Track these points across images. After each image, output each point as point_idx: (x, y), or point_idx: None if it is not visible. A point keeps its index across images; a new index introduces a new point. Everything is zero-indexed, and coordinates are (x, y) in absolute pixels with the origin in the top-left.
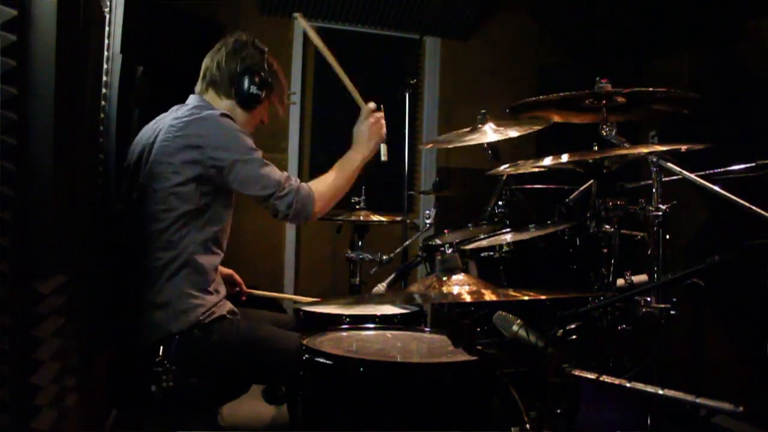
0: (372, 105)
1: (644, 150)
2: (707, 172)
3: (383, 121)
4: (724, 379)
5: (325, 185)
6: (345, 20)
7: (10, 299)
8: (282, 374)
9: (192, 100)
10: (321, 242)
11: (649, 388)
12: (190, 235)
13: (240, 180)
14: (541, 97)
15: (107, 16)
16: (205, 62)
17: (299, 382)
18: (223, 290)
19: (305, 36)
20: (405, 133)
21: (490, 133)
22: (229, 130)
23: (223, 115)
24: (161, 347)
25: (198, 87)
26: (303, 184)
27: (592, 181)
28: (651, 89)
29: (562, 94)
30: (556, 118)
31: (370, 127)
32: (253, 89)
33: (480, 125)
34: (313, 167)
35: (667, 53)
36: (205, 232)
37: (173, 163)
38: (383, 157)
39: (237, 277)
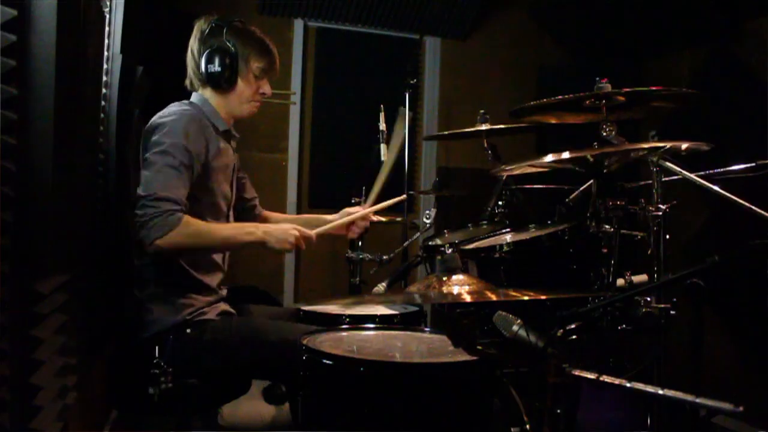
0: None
1: (645, 146)
2: (707, 172)
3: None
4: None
5: (191, 236)
6: (345, 20)
7: (10, 299)
8: (281, 367)
9: (192, 96)
10: (321, 242)
11: (649, 388)
12: None
13: (140, 180)
14: (543, 100)
15: (107, 16)
16: (187, 61)
17: (299, 382)
18: (219, 291)
19: (305, 36)
20: (405, 133)
21: None
22: (167, 134)
23: (186, 113)
24: (156, 348)
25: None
26: (178, 215)
27: (592, 181)
28: (650, 88)
29: (561, 96)
30: (554, 120)
31: (289, 235)
32: (215, 68)
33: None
34: (313, 167)
35: (667, 53)
36: None
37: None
38: (383, 157)
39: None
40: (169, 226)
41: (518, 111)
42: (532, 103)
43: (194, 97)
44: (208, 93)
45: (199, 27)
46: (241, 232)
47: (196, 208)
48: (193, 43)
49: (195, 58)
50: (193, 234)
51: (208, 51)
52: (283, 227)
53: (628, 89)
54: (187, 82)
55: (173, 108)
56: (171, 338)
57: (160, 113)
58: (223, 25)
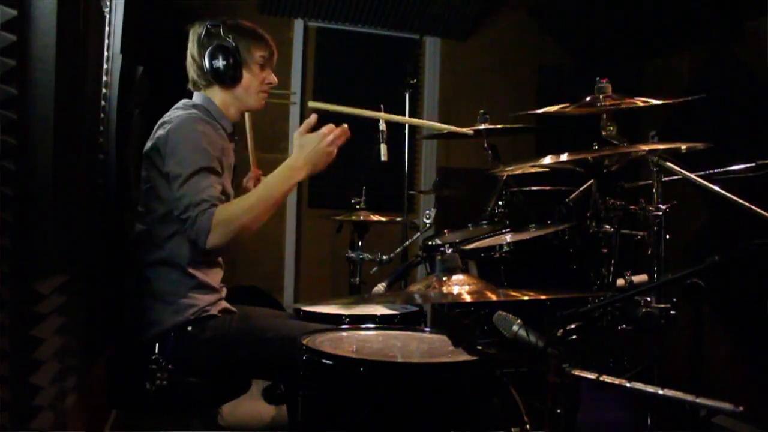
0: (331, 125)
1: (644, 148)
2: (707, 172)
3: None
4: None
5: (231, 213)
6: (345, 20)
7: (10, 299)
8: (280, 366)
9: (194, 96)
10: (321, 242)
11: (649, 388)
12: (176, 235)
13: (169, 198)
14: (541, 110)
15: (107, 16)
16: (187, 66)
17: (298, 381)
18: (220, 289)
19: (305, 36)
20: (405, 133)
21: None
22: (181, 141)
23: (194, 115)
24: (157, 345)
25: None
26: (209, 212)
27: (592, 181)
28: (644, 103)
29: (560, 106)
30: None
31: (323, 147)
32: (218, 64)
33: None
34: None
35: (667, 53)
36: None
37: (146, 165)
38: (383, 157)
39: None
40: (207, 226)
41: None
42: (531, 112)
43: (198, 98)
44: (215, 92)
45: (195, 32)
46: (279, 183)
47: None
48: (192, 48)
49: (197, 61)
50: (231, 218)
51: (209, 50)
52: (310, 146)
53: (625, 105)
54: (190, 85)
55: (180, 111)
56: (172, 336)
57: (167, 119)
58: (218, 24)
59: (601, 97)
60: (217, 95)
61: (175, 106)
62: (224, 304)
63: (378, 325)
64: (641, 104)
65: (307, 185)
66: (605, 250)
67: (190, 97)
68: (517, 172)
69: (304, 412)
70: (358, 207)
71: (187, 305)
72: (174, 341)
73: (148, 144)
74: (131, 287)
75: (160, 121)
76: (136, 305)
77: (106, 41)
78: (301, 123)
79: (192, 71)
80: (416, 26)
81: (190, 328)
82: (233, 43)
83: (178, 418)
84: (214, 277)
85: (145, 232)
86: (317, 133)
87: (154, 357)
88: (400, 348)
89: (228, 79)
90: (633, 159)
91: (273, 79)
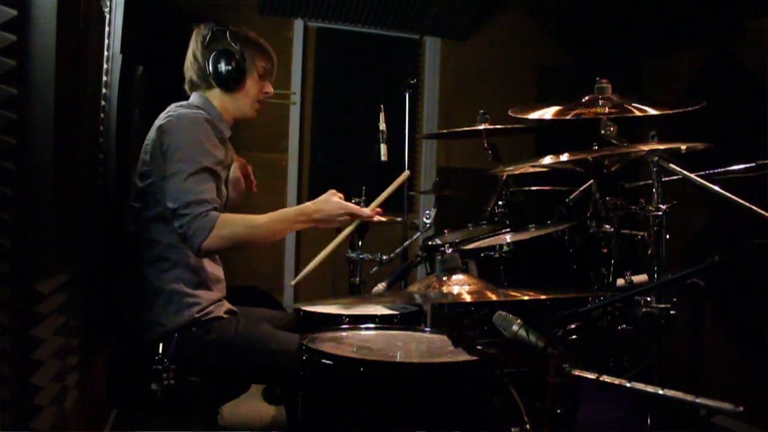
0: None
1: (644, 148)
2: (707, 172)
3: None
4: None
5: (236, 224)
6: (345, 20)
7: (10, 299)
8: (281, 376)
9: (192, 97)
10: (321, 242)
11: (649, 388)
12: (172, 233)
13: (166, 191)
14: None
15: (107, 16)
16: (186, 67)
17: (299, 382)
18: (221, 287)
19: (305, 36)
20: (405, 133)
21: None
22: (186, 139)
23: (200, 115)
24: (161, 345)
25: (187, 88)
26: (213, 215)
27: (592, 181)
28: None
29: (561, 106)
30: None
31: (338, 214)
32: (223, 68)
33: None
34: (313, 167)
35: (667, 53)
36: None
37: (146, 161)
38: (383, 157)
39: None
40: (208, 228)
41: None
42: (530, 108)
43: (196, 99)
44: (214, 94)
45: (199, 33)
46: (292, 217)
47: None
48: (196, 48)
49: (199, 62)
50: (234, 229)
51: (214, 53)
52: (331, 206)
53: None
54: (187, 86)
55: (181, 111)
56: (175, 336)
57: (166, 116)
58: (225, 30)
59: (600, 102)
60: (216, 98)
61: (175, 105)
62: (227, 305)
63: (378, 325)
64: (639, 113)
65: (307, 185)
66: (605, 250)
67: (187, 99)
68: (517, 172)
69: (304, 412)
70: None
71: (190, 303)
72: (177, 341)
73: (149, 139)
74: (131, 286)
75: (160, 119)
76: (136, 304)
77: (106, 41)
78: (301, 123)
79: (192, 72)
80: (416, 26)
81: (194, 329)
82: (239, 50)
83: (179, 418)
84: (215, 274)
85: (144, 229)
86: (344, 203)
87: (158, 357)
88: (400, 348)
89: (231, 82)
90: (633, 159)
91: (270, 90)
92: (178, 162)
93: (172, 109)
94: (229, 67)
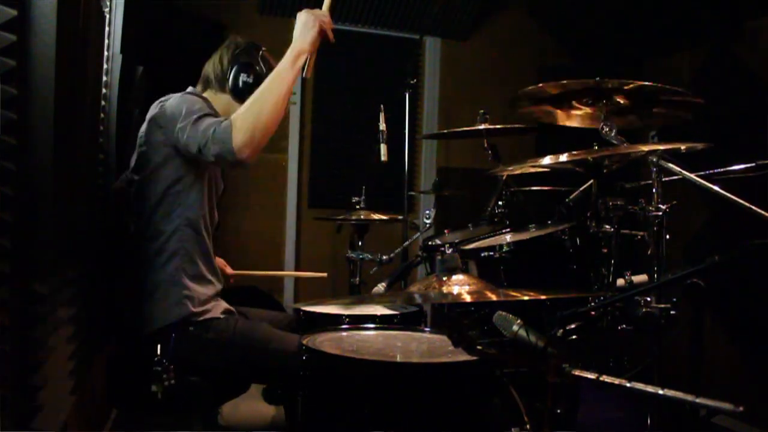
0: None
1: (644, 148)
2: (707, 172)
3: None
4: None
5: (244, 107)
6: (345, 20)
7: (10, 299)
8: (281, 375)
9: (188, 89)
10: (321, 242)
11: (649, 388)
12: (171, 226)
13: (184, 144)
14: (540, 85)
15: (107, 16)
16: (206, 66)
17: (299, 382)
18: (217, 282)
19: None
20: (405, 133)
21: None
22: (180, 103)
23: (187, 93)
24: (159, 345)
25: (198, 87)
26: (225, 123)
27: (592, 181)
28: (651, 84)
29: (564, 81)
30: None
31: (310, 31)
32: (244, 78)
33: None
34: (313, 167)
35: (667, 53)
36: (185, 218)
37: (146, 149)
38: (383, 157)
39: (222, 262)
40: (229, 131)
41: (517, 98)
42: (531, 87)
43: (222, 99)
44: (220, 98)
45: (234, 41)
46: (283, 70)
47: (194, 195)
48: (224, 54)
49: (223, 65)
50: (246, 110)
51: (241, 64)
52: (303, 28)
53: (629, 86)
54: (200, 82)
55: (178, 94)
56: (173, 336)
57: (155, 106)
58: (259, 49)
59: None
60: (221, 102)
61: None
62: (224, 304)
63: (378, 325)
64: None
65: (307, 185)
66: (605, 250)
67: None
68: (517, 172)
69: (304, 412)
70: (358, 207)
71: (187, 296)
72: (175, 340)
73: (142, 132)
74: (130, 284)
75: (150, 113)
76: (134, 299)
77: (106, 41)
78: (300, 123)
79: (211, 70)
80: (416, 26)
81: (191, 329)
82: (263, 71)
83: (179, 417)
84: (210, 268)
85: (144, 223)
86: (309, 18)
87: (156, 358)
88: (400, 348)
89: (246, 93)
90: (633, 159)
91: None
92: (182, 120)
93: (159, 100)
94: (249, 81)
